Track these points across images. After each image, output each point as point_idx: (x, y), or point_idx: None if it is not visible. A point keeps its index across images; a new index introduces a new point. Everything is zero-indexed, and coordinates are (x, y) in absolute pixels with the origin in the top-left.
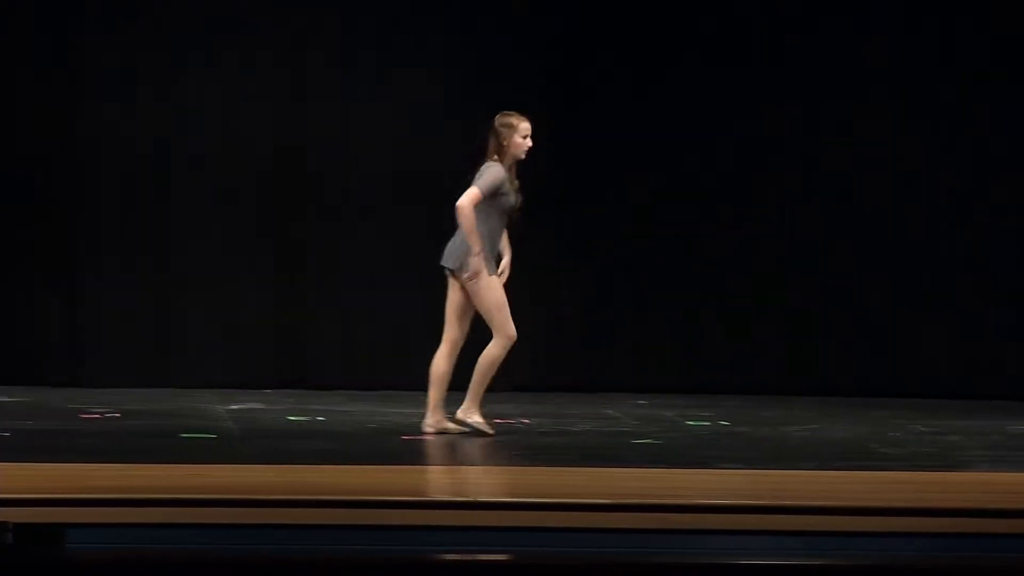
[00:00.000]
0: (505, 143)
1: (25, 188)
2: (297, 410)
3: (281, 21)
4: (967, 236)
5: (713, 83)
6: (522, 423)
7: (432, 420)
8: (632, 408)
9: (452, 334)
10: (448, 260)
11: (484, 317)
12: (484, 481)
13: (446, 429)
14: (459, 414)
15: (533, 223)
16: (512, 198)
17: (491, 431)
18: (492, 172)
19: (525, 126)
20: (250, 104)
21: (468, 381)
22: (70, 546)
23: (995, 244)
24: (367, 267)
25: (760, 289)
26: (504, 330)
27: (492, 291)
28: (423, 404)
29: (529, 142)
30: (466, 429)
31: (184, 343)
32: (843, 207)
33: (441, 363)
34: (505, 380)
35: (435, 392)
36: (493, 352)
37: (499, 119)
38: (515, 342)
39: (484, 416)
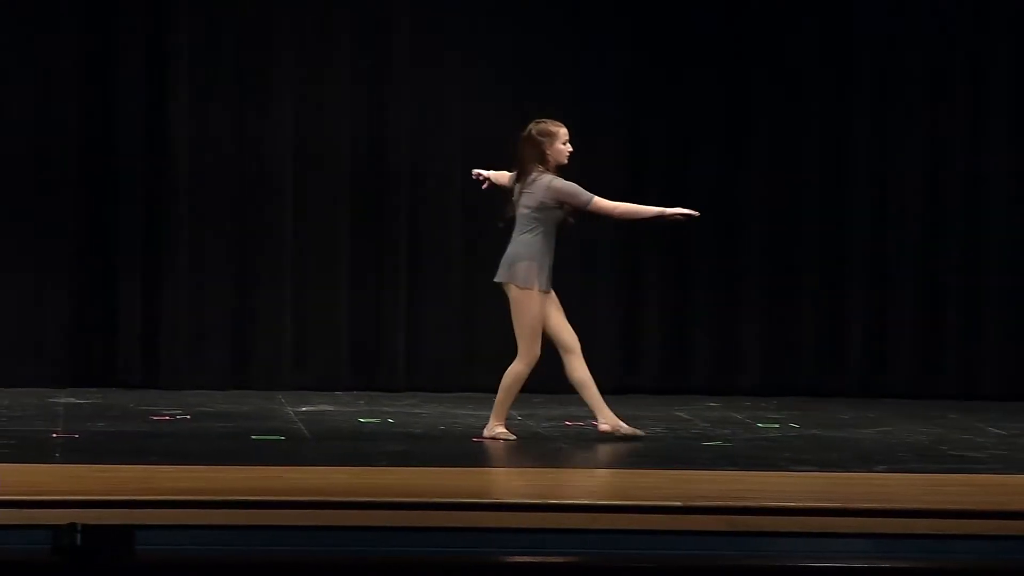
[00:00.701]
0: (548, 151)
1: (103, 189)
2: (367, 412)
3: (364, 17)
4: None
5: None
6: (592, 425)
7: (602, 419)
8: (703, 410)
9: (564, 343)
10: (508, 276)
11: (515, 328)
12: (555, 483)
13: (618, 428)
14: (485, 432)
15: (609, 227)
16: (567, 208)
17: (514, 438)
18: (562, 182)
19: (564, 132)
20: (327, 104)
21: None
22: (139, 548)
23: None
24: (439, 270)
25: (835, 291)
26: (531, 351)
27: (533, 308)
28: (490, 407)
29: (569, 147)
30: (622, 432)
31: (257, 345)
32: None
33: (575, 374)
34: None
35: (589, 396)
36: (517, 369)
37: (535, 128)
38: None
39: (508, 426)
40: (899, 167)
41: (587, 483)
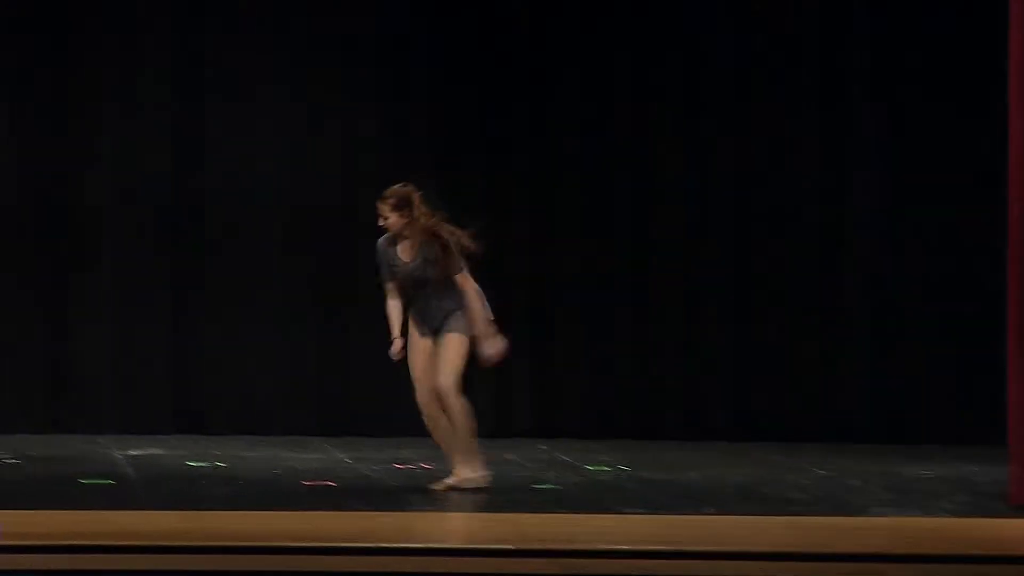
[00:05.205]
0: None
1: None
2: (196, 455)
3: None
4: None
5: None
6: (422, 468)
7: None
8: (532, 452)
9: None
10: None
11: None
12: (385, 526)
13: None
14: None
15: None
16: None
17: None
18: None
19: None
20: (148, 136)
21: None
22: None
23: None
24: (263, 310)
25: (663, 330)
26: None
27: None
28: (324, 450)
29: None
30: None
31: (78, 388)
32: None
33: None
34: (405, 426)
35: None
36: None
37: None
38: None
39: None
40: (710, 201)
41: (418, 526)
